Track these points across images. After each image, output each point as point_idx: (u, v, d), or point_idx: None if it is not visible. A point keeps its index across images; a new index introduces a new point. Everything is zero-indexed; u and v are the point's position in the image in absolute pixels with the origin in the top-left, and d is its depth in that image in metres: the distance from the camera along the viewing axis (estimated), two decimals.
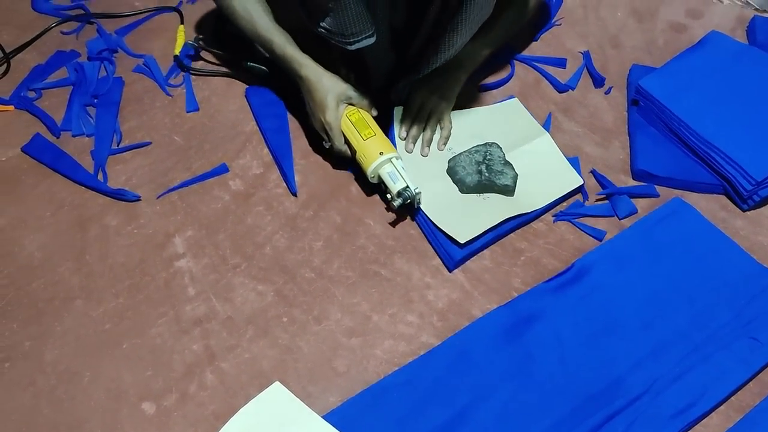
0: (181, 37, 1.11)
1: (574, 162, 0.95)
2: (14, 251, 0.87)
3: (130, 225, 0.90)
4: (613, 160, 0.97)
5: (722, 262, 0.84)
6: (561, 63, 1.09)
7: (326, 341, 0.80)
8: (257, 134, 1.00)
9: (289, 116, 1.01)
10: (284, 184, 0.94)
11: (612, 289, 0.82)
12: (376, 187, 0.90)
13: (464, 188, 0.90)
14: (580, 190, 0.92)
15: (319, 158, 0.97)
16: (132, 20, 1.16)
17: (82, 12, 1.17)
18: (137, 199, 0.92)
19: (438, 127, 0.96)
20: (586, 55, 1.10)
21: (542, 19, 1.15)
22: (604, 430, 0.72)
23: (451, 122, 0.96)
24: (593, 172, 0.95)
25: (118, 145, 0.99)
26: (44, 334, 0.80)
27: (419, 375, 0.76)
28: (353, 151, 0.88)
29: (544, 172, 0.92)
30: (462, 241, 0.83)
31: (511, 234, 0.89)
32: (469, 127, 0.97)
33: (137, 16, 1.16)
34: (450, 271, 0.85)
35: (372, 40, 0.82)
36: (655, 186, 0.93)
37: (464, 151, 0.93)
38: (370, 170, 0.85)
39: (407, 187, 0.83)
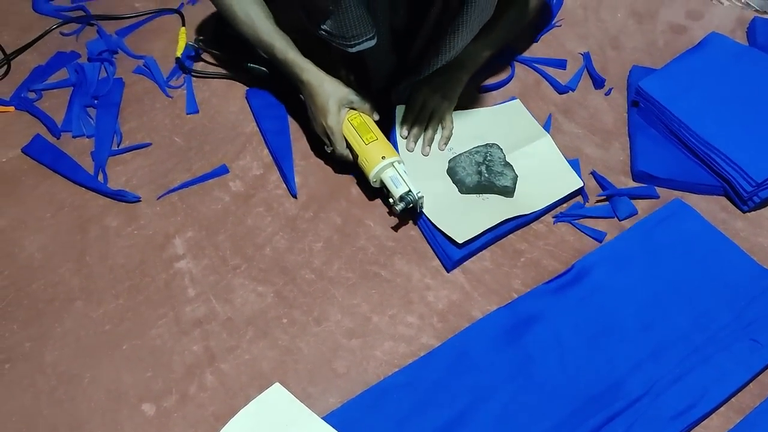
0: (183, 39, 1.11)
1: (575, 164, 0.95)
2: (14, 252, 0.87)
3: (130, 226, 0.90)
4: (614, 162, 0.97)
5: (722, 264, 0.84)
6: (561, 64, 1.09)
7: (326, 342, 0.80)
8: (257, 135, 1.00)
9: (290, 118, 1.01)
10: (284, 185, 0.94)
11: (612, 290, 0.82)
12: (376, 189, 0.90)
13: (464, 189, 0.90)
14: (580, 192, 0.92)
15: (319, 159, 0.97)
16: (132, 22, 1.16)
17: (83, 14, 1.17)
18: (137, 200, 0.92)
19: (439, 127, 0.96)
20: (587, 57, 1.10)
21: (543, 21, 1.15)
22: (604, 431, 0.71)
23: (452, 122, 0.97)
24: (593, 174, 0.95)
25: (118, 146, 0.99)
26: (44, 335, 0.80)
27: (419, 376, 0.76)
28: (355, 156, 0.88)
29: (544, 173, 0.92)
30: (460, 242, 0.83)
31: (511, 235, 0.89)
32: (470, 128, 0.97)
33: (138, 18, 1.16)
34: (448, 271, 0.85)
35: (373, 42, 0.82)
36: (656, 187, 0.93)
37: (465, 152, 0.93)
38: (372, 174, 0.85)
39: (410, 191, 0.83)
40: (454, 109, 0.98)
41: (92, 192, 0.93)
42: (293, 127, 1.00)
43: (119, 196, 0.92)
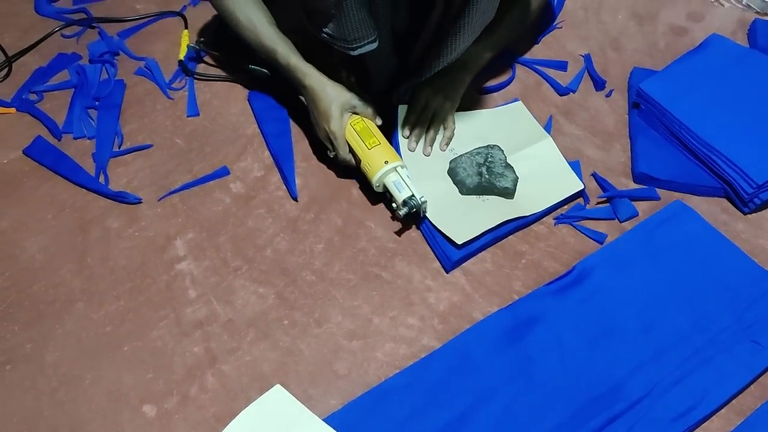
0: (185, 41, 1.11)
1: (575, 166, 0.95)
2: (15, 253, 0.88)
3: (131, 227, 0.90)
4: (614, 163, 0.97)
5: (723, 266, 0.84)
6: (562, 66, 1.09)
7: (327, 344, 0.80)
8: (258, 137, 1.00)
9: (291, 120, 1.01)
10: (285, 187, 0.94)
11: (613, 292, 0.82)
12: (377, 192, 0.90)
13: (464, 189, 0.90)
14: (580, 194, 0.92)
15: (320, 161, 0.97)
16: (134, 24, 1.16)
17: (85, 16, 1.17)
18: (138, 201, 0.92)
19: (441, 128, 0.96)
20: (587, 58, 1.10)
21: (544, 22, 1.15)
22: None
23: (454, 123, 0.97)
24: (594, 175, 0.95)
25: (119, 148, 0.99)
26: (45, 336, 0.80)
27: (420, 378, 0.76)
28: (358, 161, 0.88)
29: (544, 175, 0.92)
30: (459, 242, 0.83)
31: (512, 237, 0.89)
32: (472, 129, 0.97)
33: (140, 21, 1.17)
34: (447, 271, 0.86)
35: (374, 45, 0.82)
36: (656, 189, 0.93)
37: (466, 153, 0.93)
38: (375, 179, 0.85)
39: (413, 195, 0.83)
40: (456, 110, 0.98)
41: (93, 193, 0.93)
42: (294, 128, 1.00)
43: (120, 198, 0.92)
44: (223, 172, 0.95)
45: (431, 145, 0.95)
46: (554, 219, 0.90)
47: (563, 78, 1.08)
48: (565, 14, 1.18)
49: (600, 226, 0.90)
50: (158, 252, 0.87)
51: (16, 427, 0.74)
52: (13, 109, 1.04)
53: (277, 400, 0.74)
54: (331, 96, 0.86)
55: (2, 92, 1.06)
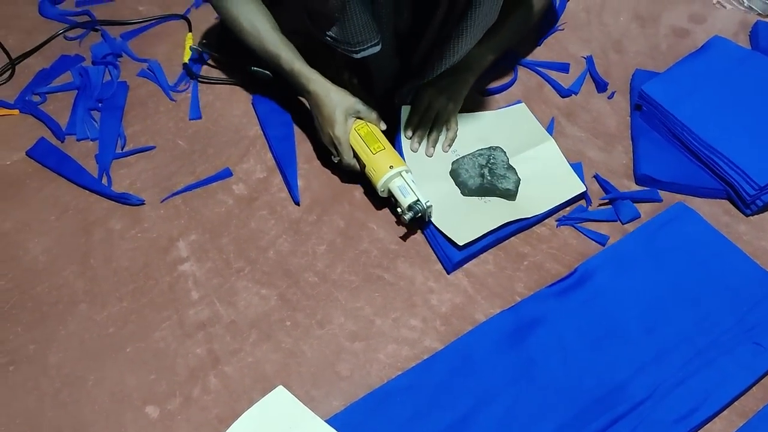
0: (189, 44, 1.11)
1: (578, 167, 0.94)
2: (19, 255, 0.88)
3: (134, 229, 0.90)
4: (616, 165, 0.97)
5: (725, 267, 0.84)
6: (564, 68, 1.09)
7: (329, 345, 0.80)
8: (261, 139, 1.00)
9: (294, 124, 1.01)
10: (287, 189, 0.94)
11: (615, 293, 0.82)
12: (382, 197, 0.90)
13: (466, 191, 0.90)
14: (583, 196, 0.92)
15: (323, 163, 0.97)
16: (138, 26, 1.16)
17: (88, 18, 1.17)
18: (141, 203, 0.92)
19: (444, 129, 0.96)
20: (589, 60, 1.10)
21: (546, 24, 1.15)
22: None
23: (457, 124, 0.97)
24: (596, 177, 0.95)
25: (122, 149, 0.99)
26: (48, 337, 0.81)
27: (422, 379, 0.76)
28: (362, 166, 0.87)
29: (546, 177, 0.92)
30: (461, 244, 0.83)
31: (514, 238, 0.89)
32: (474, 131, 0.97)
33: (143, 23, 1.17)
34: (448, 273, 0.86)
35: (377, 48, 0.82)
36: (658, 191, 0.93)
37: (468, 154, 0.93)
38: (380, 184, 0.85)
39: (418, 200, 0.83)
40: (459, 112, 0.98)
41: (96, 195, 0.94)
42: (297, 131, 1.00)
43: (123, 199, 0.92)
44: (226, 174, 0.96)
45: (434, 146, 0.95)
46: (556, 221, 0.90)
47: (565, 80, 1.08)
48: (567, 16, 1.18)
49: (602, 228, 0.90)
50: (161, 253, 0.88)
51: (20, 428, 0.74)
52: (16, 111, 1.04)
53: (279, 402, 0.74)
54: (336, 101, 0.86)
55: (5, 94, 1.06)
